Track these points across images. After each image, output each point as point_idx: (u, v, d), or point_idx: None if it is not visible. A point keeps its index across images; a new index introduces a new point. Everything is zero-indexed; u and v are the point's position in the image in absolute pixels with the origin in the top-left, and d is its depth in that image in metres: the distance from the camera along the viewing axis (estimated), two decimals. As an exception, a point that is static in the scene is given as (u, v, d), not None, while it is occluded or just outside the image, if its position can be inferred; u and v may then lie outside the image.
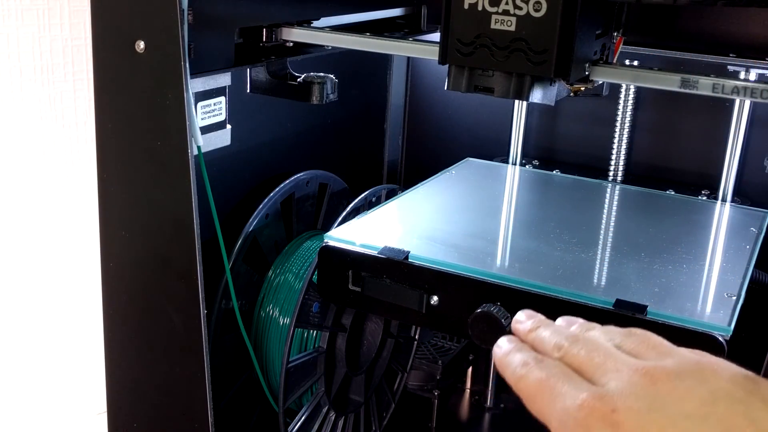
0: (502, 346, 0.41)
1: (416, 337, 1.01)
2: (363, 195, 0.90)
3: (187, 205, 0.67)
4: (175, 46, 0.64)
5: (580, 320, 0.42)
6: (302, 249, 0.88)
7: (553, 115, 1.04)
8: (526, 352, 0.40)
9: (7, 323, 1.03)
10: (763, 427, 0.32)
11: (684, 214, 0.88)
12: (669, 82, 0.64)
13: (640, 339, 0.39)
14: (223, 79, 0.73)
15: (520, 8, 0.62)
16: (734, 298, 0.66)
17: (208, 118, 0.72)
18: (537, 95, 0.65)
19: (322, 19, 0.83)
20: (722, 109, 0.93)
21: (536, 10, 0.61)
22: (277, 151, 0.92)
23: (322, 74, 0.78)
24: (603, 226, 0.85)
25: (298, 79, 0.79)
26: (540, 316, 0.43)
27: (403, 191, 0.91)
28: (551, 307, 0.65)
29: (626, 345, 0.38)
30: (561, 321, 0.43)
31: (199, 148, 0.68)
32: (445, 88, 0.67)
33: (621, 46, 0.71)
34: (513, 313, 0.65)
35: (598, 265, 0.74)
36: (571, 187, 0.96)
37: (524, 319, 0.43)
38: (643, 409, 0.33)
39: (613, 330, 0.40)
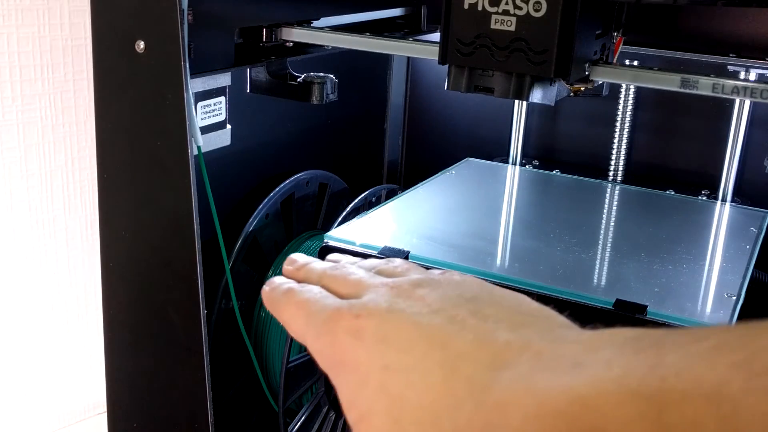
0: (270, 282, 0.41)
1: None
2: (363, 195, 0.90)
3: (187, 205, 0.67)
4: (175, 46, 0.64)
5: (344, 256, 0.44)
6: (302, 249, 0.88)
7: (553, 115, 1.04)
8: (290, 284, 0.40)
9: (7, 323, 1.03)
10: (484, 314, 0.34)
11: (684, 214, 0.88)
12: (669, 82, 0.64)
13: (398, 263, 0.41)
14: (223, 79, 0.73)
15: (520, 8, 0.62)
16: (734, 298, 0.66)
17: (208, 118, 0.72)
18: (537, 95, 0.65)
19: (322, 19, 0.83)
20: (722, 109, 0.93)
21: (536, 10, 0.61)
22: (277, 151, 0.92)
23: (322, 74, 0.78)
24: (603, 226, 0.85)
25: (298, 79, 0.79)
26: (309, 258, 0.44)
27: (403, 191, 0.91)
28: (551, 307, 0.65)
29: (385, 269, 0.40)
30: (330, 257, 0.45)
31: (199, 148, 0.68)
32: (445, 88, 0.67)
33: (621, 46, 0.72)
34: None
35: (598, 265, 0.74)
36: (571, 187, 0.96)
37: (295, 259, 0.44)
38: (383, 311, 0.34)
39: (377, 261, 0.42)
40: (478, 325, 0.33)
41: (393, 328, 0.34)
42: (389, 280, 0.38)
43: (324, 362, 0.37)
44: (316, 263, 0.43)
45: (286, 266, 0.44)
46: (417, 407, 0.31)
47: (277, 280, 0.41)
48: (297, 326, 0.38)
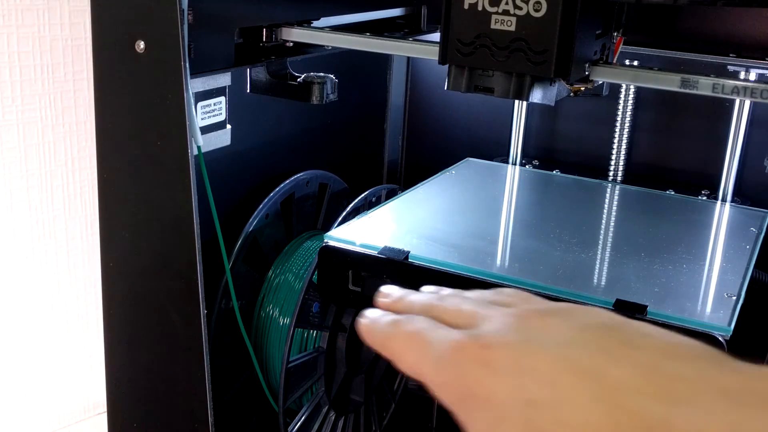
0: (368, 315, 0.40)
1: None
2: (363, 195, 0.90)
3: (187, 205, 0.67)
4: (175, 46, 0.64)
5: (444, 288, 0.42)
6: (302, 249, 0.88)
7: (553, 115, 1.04)
8: (395, 315, 0.39)
9: (8, 323, 1.03)
10: (636, 344, 0.31)
11: (684, 214, 0.88)
12: (669, 82, 0.64)
13: (510, 293, 0.39)
14: (223, 79, 0.73)
15: (520, 8, 0.62)
16: (734, 298, 0.66)
17: (208, 118, 0.72)
18: (537, 95, 0.65)
19: (322, 19, 0.83)
20: (722, 109, 0.93)
21: (536, 10, 0.61)
22: (277, 151, 0.92)
23: (322, 74, 0.78)
24: (603, 226, 0.85)
25: (298, 79, 0.79)
26: (403, 289, 0.42)
27: (403, 191, 0.91)
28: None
29: (497, 299, 0.38)
30: (426, 288, 0.43)
31: (199, 148, 0.68)
32: (445, 88, 0.67)
33: (621, 46, 0.72)
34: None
35: (598, 265, 0.74)
36: (571, 187, 0.96)
37: (389, 292, 0.42)
38: (515, 342, 0.33)
39: (483, 291, 0.40)
40: (632, 355, 0.30)
41: (530, 359, 0.31)
42: (509, 309, 0.36)
43: (448, 396, 0.34)
44: (415, 295, 0.41)
45: (382, 299, 0.42)
46: None
47: (374, 312, 0.40)
48: (410, 359, 0.36)
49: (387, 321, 0.38)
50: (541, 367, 0.31)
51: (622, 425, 0.28)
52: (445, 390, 0.34)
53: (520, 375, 0.31)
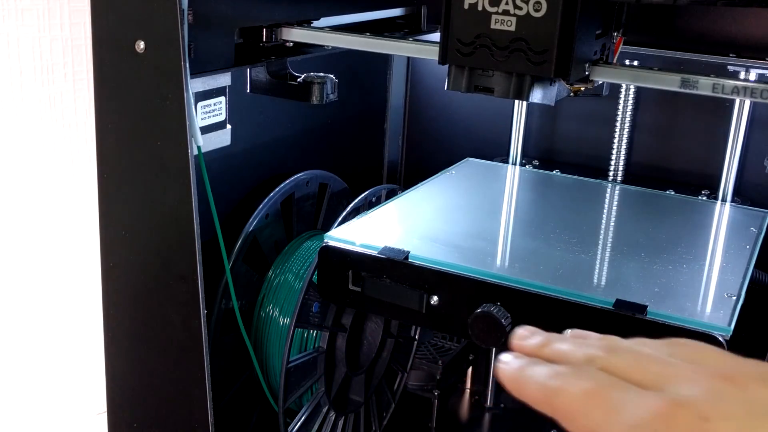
0: (511, 362, 0.35)
1: (416, 337, 1.00)
2: (363, 195, 0.90)
3: (187, 205, 0.67)
4: (175, 46, 0.64)
5: (592, 333, 0.37)
6: (302, 249, 0.88)
7: (553, 115, 1.04)
8: (549, 365, 0.34)
9: (8, 323, 1.03)
10: None
11: (684, 214, 0.88)
12: (669, 82, 0.64)
13: (690, 347, 0.34)
14: (223, 79, 0.73)
15: (520, 8, 0.62)
16: (734, 298, 0.66)
17: (208, 118, 0.72)
18: (537, 95, 0.65)
19: (322, 19, 0.83)
20: (722, 109, 0.93)
21: (536, 10, 0.61)
22: (277, 151, 0.92)
23: (322, 74, 0.78)
24: (603, 226, 0.85)
25: (298, 79, 0.78)
26: (544, 332, 0.37)
27: (403, 191, 0.91)
28: (551, 307, 0.65)
29: (677, 353, 0.33)
30: (568, 333, 0.38)
31: (199, 148, 0.68)
32: (445, 88, 0.67)
33: (621, 46, 0.71)
34: (513, 313, 0.66)
35: (598, 265, 0.74)
36: (571, 187, 0.96)
37: (528, 334, 0.37)
38: (741, 416, 0.29)
39: (646, 341, 0.35)
40: None
41: None
42: (713, 369, 0.31)
43: None
44: (561, 342, 0.36)
45: (522, 342, 0.37)
46: None
47: (519, 358, 0.35)
48: (594, 420, 0.31)
49: (548, 374, 0.33)
50: None
51: None
52: None
53: None
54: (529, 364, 0.35)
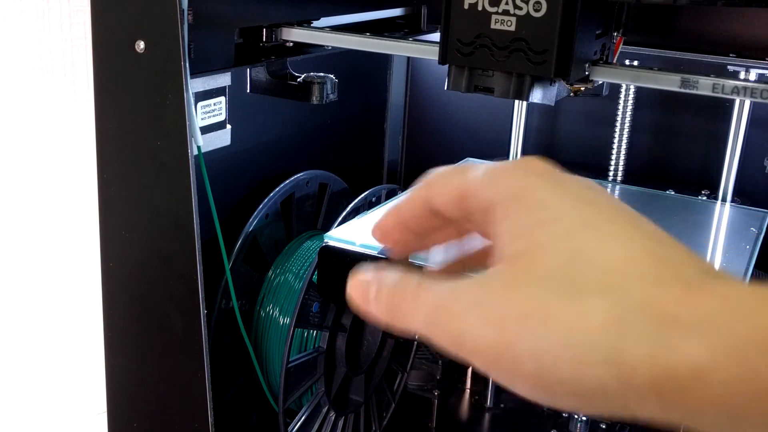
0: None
1: (416, 336, 1.00)
2: (363, 195, 0.90)
3: (187, 205, 0.67)
4: (175, 46, 0.64)
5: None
6: (302, 249, 0.88)
7: (553, 115, 1.04)
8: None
9: (8, 323, 1.03)
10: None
11: (684, 214, 0.88)
12: (669, 82, 0.64)
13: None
14: (223, 79, 0.73)
15: (520, 8, 0.62)
16: (734, 298, 0.66)
17: (208, 118, 0.72)
18: (537, 95, 0.65)
19: (322, 19, 0.83)
20: (722, 109, 0.93)
21: (536, 10, 0.61)
22: (277, 151, 0.92)
23: (322, 74, 0.78)
24: (603, 226, 0.84)
25: (298, 79, 0.79)
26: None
27: (403, 191, 0.91)
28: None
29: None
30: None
31: (199, 148, 0.69)
32: (445, 88, 0.67)
33: (621, 46, 0.71)
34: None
35: (598, 265, 0.73)
36: (571, 187, 0.96)
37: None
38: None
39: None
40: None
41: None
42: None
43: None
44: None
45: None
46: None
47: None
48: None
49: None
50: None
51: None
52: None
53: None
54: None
